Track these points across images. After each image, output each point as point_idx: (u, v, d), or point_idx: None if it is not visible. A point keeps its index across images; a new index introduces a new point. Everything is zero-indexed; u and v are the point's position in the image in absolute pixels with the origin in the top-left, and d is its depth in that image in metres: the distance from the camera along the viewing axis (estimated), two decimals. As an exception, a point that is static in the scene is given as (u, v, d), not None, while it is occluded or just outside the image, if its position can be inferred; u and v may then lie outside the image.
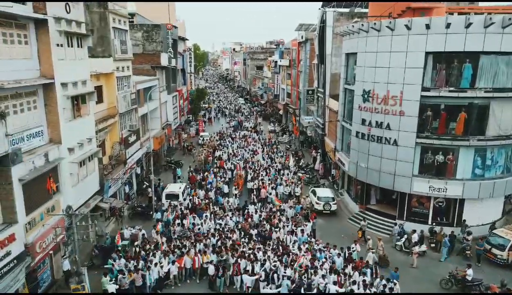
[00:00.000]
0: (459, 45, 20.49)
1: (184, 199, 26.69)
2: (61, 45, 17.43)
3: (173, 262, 18.19)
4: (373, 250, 20.08)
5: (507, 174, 23.06)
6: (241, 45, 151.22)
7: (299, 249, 19.83)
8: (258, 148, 42.08)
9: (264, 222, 23.06)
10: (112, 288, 15.83)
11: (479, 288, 17.14)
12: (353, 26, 25.00)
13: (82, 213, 18.37)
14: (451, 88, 21.29)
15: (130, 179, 29.31)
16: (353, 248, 20.04)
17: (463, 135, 21.75)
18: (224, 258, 18.60)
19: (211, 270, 18.03)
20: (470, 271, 17.67)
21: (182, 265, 18.31)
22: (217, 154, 38.95)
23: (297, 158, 39.47)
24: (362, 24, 23.88)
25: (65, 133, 17.67)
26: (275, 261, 18.28)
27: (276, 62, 68.58)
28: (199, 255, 18.70)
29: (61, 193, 17.52)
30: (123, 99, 26.08)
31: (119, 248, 20.24)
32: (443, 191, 22.37)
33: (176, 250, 19.34)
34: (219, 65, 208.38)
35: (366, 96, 24.24)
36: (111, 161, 24.38)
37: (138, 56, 35.36)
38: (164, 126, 38.85)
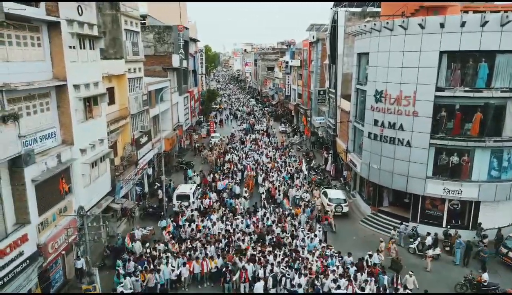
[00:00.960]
0: (475, 44, 20.04)
1: (194, 202, 26.58)
2: (74, 47, 17.58)
3: (184, 264, 18.08)
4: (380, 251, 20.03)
5: (525, 175, 22.44)
6: (252, 46, 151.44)
7: (311, 253, 19.53)
8: (269, 151, 41.39)
9: (274, 227, 22.60)
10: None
11: (495, 293, 16.67)
12: (365, 25, 24.69)
13: (94, 214, 18.50)
14: (466, 88, 20.84)
15: (142, 179, 29.47)
16: (370, 255, 19.69)
17: (478, 136, 21.26)
18: (230, 265, 18.24)
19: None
20: (485, 276, 17.25)
21: (191, 269, 18.11)
22: (228, 157, 38.43)
23: (308, 159, 39.20)
24: (375, 24, 23.57)
25: (77, 134, 17.82)
26: (285, 267, 17.99)
27: (287, 62, 68.35)
28: (207, 260, 18.43)
29: (73, 194, 17.66)
30: (134, 100, 26.25)
31: (131, 249, 20.33)
32: (458, 193, 21.90)
33: (186, 252, 19.31)
34: (230, 66, 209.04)
35: (378, 96, 23.90)
36: (122, 161, 24.53)
37: (149, 57, 35.60)
38: (175, 127, 39.03)
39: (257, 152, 41.17)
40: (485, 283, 17.11)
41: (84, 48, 18.71)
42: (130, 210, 24.29)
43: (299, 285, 16.32)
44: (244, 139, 48.01)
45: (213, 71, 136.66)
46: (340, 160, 35.23)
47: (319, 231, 22.57)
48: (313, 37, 46.30)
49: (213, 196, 27.75)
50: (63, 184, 16.69)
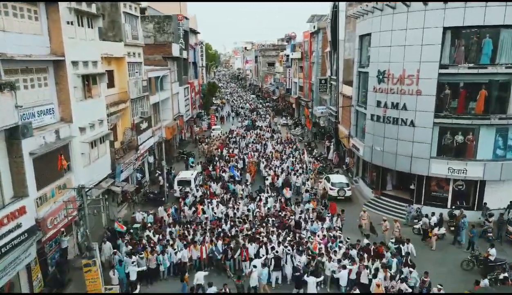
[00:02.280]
0: (479, 19, 19.70)
1: (195, 187, 26.25)
2: (72, 23, 17.38)
3: (186, 246, 17.51)
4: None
5: (531, 155, 22.09)
6: (252, 44, 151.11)
7: (314, 234, 19.12)
8: (273, 144, 40.22)
9: (279, 212, 22.35)
10: (133, 271, 15.68)
11: (503, 268, 16.30)
12: (367, 5, 24.38)
13: (92, 187, 18.18)
14: (471, 65, 20.50)
15: (142, 166, 29.23)
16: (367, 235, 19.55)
17: (483, 114, 20.92)
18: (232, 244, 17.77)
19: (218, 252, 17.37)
20: (493, 251, 16.90)
21: (190, 255, 17.40)
22: (226, 151, 37.46)
23: (310, 149, 38.89)
24: (376, 3, 23.25)
25: (76, 112, 17.58)
26: (286, 247, 17.24)
27: (288, 56, 68.09)
28: (206, 245, 17.72)
29: (72, 172, 17.42)
30: (134, 85, 26.00)
31: (131, 231, 20.08)
32: (463, 173, 21.57)
33: (187, 236, 18.74)
34: (231, 66, 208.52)
35: (381, 77, 23.58)
36: (122, 145, 24.27)
37: (149, 46, 35.29)
38: (176, 117, 38.77)
39: (260, 143, 40.66)
40: (492, 258, 16.75)
41: (82, 26, 18.50)
42: (131, 194, 24.03)
43: (299, 267, 15.92)
44: (245, 135, 45.87)
45: (214, 70, 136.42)
46: (342, 148, 34.93)
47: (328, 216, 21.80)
48: (314, 27, 46.04)
49: (214, 185, 27.25)
50: (62, 160, 16.41)
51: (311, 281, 14.99)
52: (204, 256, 17.54)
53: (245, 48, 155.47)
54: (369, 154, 25.73)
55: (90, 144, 18.85)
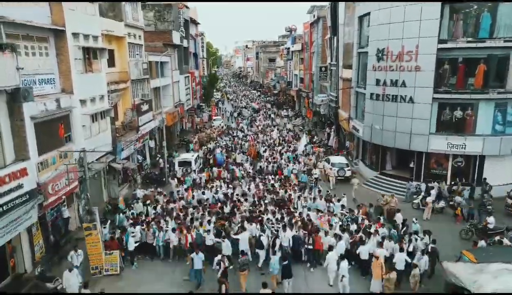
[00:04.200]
0: (477, -7, 19.81)
1: (196, 169, 26.30)
2: (72, -4, 17.52)
3: (173, 230, 15.95)
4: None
5: (530, 131, 22.13)
6: (253, 42, 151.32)
7: (314, 211, 18.31)
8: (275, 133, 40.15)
9: (278, 188, 22.12)
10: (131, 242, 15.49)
11: (501, 234, 16.34)
12: (366, -16, 24.49)
13: (94, 161, 18.18)
14: (469, 39, 20.60)
15: (143, 149, 29.40)
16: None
17: (482, 89, 21.00)
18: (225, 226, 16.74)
19: (209, 240, 15.64)
20: (491, 219, 17.00)
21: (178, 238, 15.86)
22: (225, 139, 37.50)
23: (310, 136, 39.01)
24: (376, -19, 23.37)
25: (77, 84, 17.75)
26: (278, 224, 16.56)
27: (288, 49, 68.29)
28: (192, 233, 15.96)
29: (73, 143, 17.55)
30: (134, 66, 26.17)
31: (132, 206, 20.16)
32: (462, 148, 21.65)
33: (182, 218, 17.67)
34: (232, 65, 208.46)
35: (380, 55, 23.68)
36: (123, 125, 24.43)
37: (150, 33, 35.47)
38: (176, 105, 38.92)
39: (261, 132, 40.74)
40: (491, 227, 16.83)
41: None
42: (132, 173, 24.16)
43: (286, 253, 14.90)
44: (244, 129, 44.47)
45: (215, 69, 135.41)
46: (342, 133, 35.03)
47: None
48: (314, 16, 46.17)
49: (214, 169, 26.80)
50: (63, 129, 16.57)
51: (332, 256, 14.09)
52: (190, 242, 15.69)
53: (246, 46, 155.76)
54: (369, 133, 25.82)
55: (91, 118, 19.04)
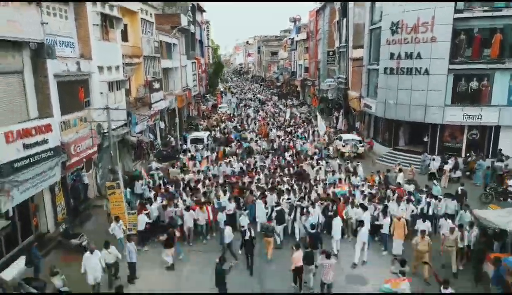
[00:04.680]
0: (494, -39, 19.78)
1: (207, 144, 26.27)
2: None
3: (187, 209, 14.35)
4: None
5: (545, 102, 22.11)
6: (254, 37, 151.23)
7: (331, 185, 17.34)
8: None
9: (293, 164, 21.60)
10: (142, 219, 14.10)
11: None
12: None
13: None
14: (486, 8, 20.57)
15: (154, 129, 29.35)
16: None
17: (498, 59, 20.98)
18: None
19: (229, 209, 14.89)
20: (511, 182, 16.99)
21: (196, 217, 14.44)
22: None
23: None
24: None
25: (95, 51, 17.66)
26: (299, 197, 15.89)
27: (292, 39, 68.29)
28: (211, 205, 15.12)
29: (92, 108, 17.50)
30: (147, 42, 26.12)
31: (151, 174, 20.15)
32: (478, 118, 21.66)
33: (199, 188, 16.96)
34: (231, 63, 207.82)
35: (394, 28, 23.66)
36: (136, 100, 24.38)
37: (158, 16, 35.25)
38: (184, 89, 38.88)
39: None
40: (511, 189, 16.82)
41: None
42: (147, 147, 24.11)
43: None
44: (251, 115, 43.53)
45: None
46: (351, 114, 35.00)
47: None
48: (321, 2, 46.11)
49: (228, 148, 26.28)
50: (83, 93, 16.52)
51: (337, 223, 13.57)
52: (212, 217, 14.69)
53: (247, 42, 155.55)
54: (382, 109, 25.79)
55: (108, 85, 18.95)
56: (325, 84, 42.66)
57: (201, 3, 50.64)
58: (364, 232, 12.81)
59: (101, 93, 18.40)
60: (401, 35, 23.28)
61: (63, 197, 15.46)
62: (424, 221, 12.93)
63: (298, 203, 15.03)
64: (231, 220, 14.61)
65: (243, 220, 14.24)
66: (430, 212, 14.63)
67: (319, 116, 32.43)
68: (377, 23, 26.13)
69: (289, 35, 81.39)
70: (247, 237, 12.60)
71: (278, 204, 14.83)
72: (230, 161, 21.93)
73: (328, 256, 10.68)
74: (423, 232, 11.60)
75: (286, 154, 24.56)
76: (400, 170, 19.74)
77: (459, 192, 14.48)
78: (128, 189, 16.91)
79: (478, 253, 10.80)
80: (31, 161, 12.51)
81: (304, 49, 60.08)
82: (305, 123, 36.88)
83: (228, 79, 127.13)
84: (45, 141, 13.33)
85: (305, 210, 14.20)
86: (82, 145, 15.90)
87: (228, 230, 13.21)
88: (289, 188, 16.58)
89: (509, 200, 16.17)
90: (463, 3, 21.05)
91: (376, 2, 26.83)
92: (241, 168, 21.13)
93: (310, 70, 57.12)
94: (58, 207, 14.99)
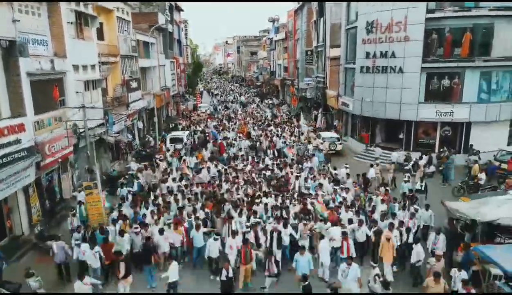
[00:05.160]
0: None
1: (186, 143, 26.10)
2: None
3: (161, 232, 12.01)
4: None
5: (512, 99, 23.06)
6: (234, 37, 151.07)
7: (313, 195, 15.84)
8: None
9: (276, 169, 19.57)
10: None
11: (493, 189, 17.03)
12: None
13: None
14: (456, 8, 21.30)
15: (132, 129, 28.99)
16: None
17: (468, 57, 21.76)
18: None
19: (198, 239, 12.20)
20: (482, 175, 17.65)
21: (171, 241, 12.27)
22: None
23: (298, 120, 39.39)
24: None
25: (69, 49, 17.34)
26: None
27: (271, 39, 68.56)
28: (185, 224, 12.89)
29: (67, 106, 17.17)
30: (124, 41, 25.80)
31: (127, 177, 19.87)
32: (450, 115, 22.39)
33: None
34: (211, 63, 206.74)
35: (369, 28, 24.19)
36: (113, 99, 24.04)
37: (135, 15, 34.79)
38: (163, 89, 38.51)
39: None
40: (482, 182, 17.49)
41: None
42: (125, 146, 23.80)
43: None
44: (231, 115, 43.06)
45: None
46: (330, 113, 35.51)
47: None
48: (299, 2, 46.51)
49: (206, 153, 25.33)
50: (58, 92, 16.17)
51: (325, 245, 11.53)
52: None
53: (226, 42, 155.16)
54: (359, 107, 26.30)
55: (84, 84, 18.64)
56: (304, 83, 43.10)
57: (179, 3, 50.35)
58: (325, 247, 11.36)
59: (77, 92, 18.07)
60: (376, 35, 23.82)
61: (38, 198, 15.13)
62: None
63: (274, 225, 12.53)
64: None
65: (212, 248, 11.62)
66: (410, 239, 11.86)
67: (302, 116, 32.78)
68: (353, 22, 26.66)
69: (268, 35, 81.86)
70: (223, 277, 10.06)
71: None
72: (209, 167, 19.97)
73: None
74: (437, 275, 9.24)
75: (266, 157, 23.51)
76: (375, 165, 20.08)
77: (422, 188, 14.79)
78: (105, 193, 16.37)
79: (450, 242, 11.20)
80: (4, 161, 12.23)
81: (283, 49, 60.42)
82: (285, 124, 37.06)
83: (208, 79, 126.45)
84: (18, 141, 13.04)
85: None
86: (57, 145, 15.59)
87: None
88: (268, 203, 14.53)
89: (479, 192, 16.76)
90: (435, 3, 21.67)
91: (352, 2, 27.32)
92: (218, 171, 19.31)
93: (289, 70, 57.50)
94: (33, 209, 14.67)
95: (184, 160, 21.83)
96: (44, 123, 15.07)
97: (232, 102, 59.55)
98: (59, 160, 16.04)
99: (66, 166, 17.96)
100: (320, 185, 16.89)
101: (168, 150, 24.75)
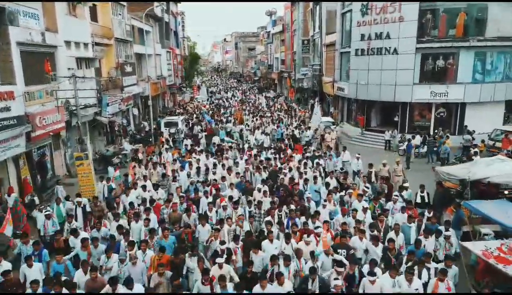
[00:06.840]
0: None
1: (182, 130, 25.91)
2: None
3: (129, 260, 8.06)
4: None
5: (506, 80, 23.00)
6: (231, 34, 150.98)
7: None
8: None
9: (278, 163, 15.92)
10: None
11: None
12: None
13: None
14: (450, -13, 21.28)
15: (127, 115, 28.91)
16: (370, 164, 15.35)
17: (463, 37, 21.72)
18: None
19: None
20: (477, 158, 17.52)
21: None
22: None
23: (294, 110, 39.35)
24: None
25: (61, 25, 17.28)
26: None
27: (269, 32, 68.59)
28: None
29: (59, 83, 17.06)
30: (118, 24, 25.70)
31: (120, 157, 19.82)
32: (444, 96, 22.35)
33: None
34: (209, 62, 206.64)
35: (364, 9, 24.14)
36: (107, 81, 23.95)
37: (131, 3, 34.74)
38: (159, 77, 38.45)
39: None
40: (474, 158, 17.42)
41: None
42: (119, 128, 23.71)
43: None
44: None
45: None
46: (326, 101, 35.47)
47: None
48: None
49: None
50: (49, 66, 16.07)
51: None
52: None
53: (225, 39, 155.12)
54: (354, 90, 26.24)
55: (76, 61, 18.56)
56: (301, 74, 43.07)
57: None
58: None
59: (69, 69, 18.00)
60: (371, 16, 23.78)
61: (29, 172, 15.05)
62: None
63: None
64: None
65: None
66: None
67: (317, 107, 27.45)
68: (348, 6, 26.58)
69: (266, 29, 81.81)
70: None
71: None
72: (198, 159, 16.02)
73: None
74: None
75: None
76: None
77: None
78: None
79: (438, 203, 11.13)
80: (-8, 127, 12.14)
81: (280, 42, 60.42)
82: (282, 112, 36.88)
83: (206, 75, 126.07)
84: (7, 109, 12.93)
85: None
86: (49, 119, 15.50)
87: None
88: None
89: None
90: (429, -17, 21.65)
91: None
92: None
93: (286, 63, 57.49)
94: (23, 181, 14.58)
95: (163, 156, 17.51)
96: (34, 96, 15.00)
97: (227, 99, 52.08)
98: (50, 134, 15.96)
99: (58, 143, 17.92)
100: (327, 184, 12.77)
101: (167, 141, 23.00)
